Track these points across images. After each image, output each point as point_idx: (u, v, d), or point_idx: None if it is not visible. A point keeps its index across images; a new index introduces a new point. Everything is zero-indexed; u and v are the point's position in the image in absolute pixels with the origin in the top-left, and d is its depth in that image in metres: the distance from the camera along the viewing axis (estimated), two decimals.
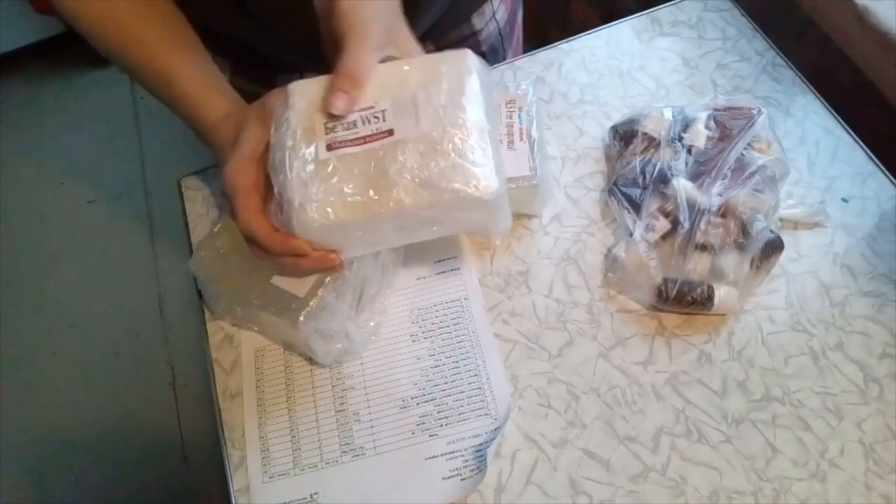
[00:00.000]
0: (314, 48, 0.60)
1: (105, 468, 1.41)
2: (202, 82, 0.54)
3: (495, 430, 0.53)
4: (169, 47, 0.54)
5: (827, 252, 0.59)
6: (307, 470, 0.53)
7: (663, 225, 0.56)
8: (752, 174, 0.56)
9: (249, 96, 0.60)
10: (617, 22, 0.74)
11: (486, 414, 0.54)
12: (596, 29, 0.73)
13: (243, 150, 0.46)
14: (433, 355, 0.56)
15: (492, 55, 0.76)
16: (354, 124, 0.43)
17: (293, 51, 0.65)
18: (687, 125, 0.60)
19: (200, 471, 1.39)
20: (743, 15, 0.72)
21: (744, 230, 0.55)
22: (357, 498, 0.52)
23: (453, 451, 0.52)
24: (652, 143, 0.60)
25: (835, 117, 0.65)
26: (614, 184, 0.60)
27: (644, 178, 0.58)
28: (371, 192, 0.42)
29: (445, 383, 0.55)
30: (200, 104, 0.53)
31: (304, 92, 0.45)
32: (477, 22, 0.74)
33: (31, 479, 1.41)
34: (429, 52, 0.76)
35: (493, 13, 0.76)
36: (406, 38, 0.48)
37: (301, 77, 0.74)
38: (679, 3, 0.73)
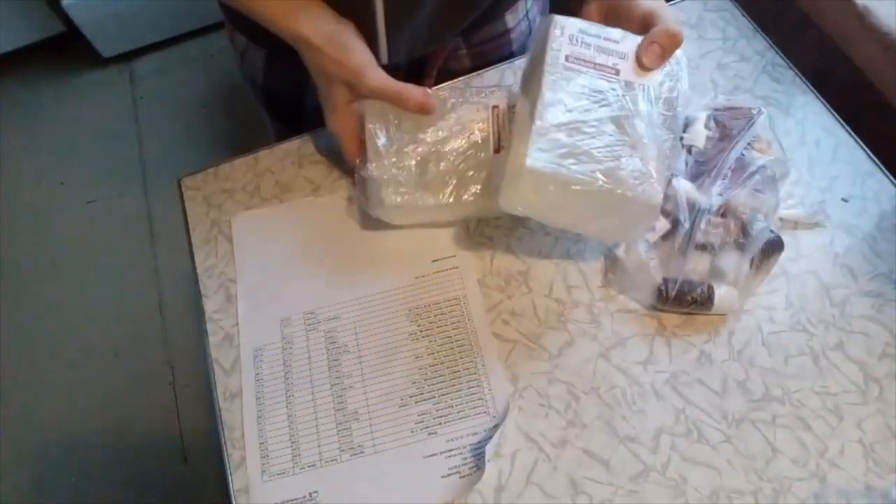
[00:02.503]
0: (365, 32, 0.58)
1: (105, 468, 1.41)
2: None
3: (494, 427, 0.53)
4: None
5: (827, 252, 0.59)
6: (306, 469, 0.53)
7: (663, 225, 0.56)
8: (752, 174, 0.56)
9: (281, 97, 0.59)
10: None
11: (485, 412, 0.54)
12: None
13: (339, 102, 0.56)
14: (432, 354, 0.56)
15: (521, 55, 0.77)
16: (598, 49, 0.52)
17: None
18: (687, 125, 0.60)
19: (200, 471, 1.39)
20: (743, 15, 0.72)
21: (744, 230, 0.54)
22: (356, 496, 0.52)
23: (452, 450, 0.52)
24: None
25: (835, 117, 0.65)
26: None
27: None
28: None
29: (444, 381, 0.55)
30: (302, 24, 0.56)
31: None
32: (510, 20, 0.75)
33: (30, 480, 1.41)
34: (459, 50, 0.76)
35: (527, 12, 0.76)
36: None
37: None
38: (679, 3, 0.73)
